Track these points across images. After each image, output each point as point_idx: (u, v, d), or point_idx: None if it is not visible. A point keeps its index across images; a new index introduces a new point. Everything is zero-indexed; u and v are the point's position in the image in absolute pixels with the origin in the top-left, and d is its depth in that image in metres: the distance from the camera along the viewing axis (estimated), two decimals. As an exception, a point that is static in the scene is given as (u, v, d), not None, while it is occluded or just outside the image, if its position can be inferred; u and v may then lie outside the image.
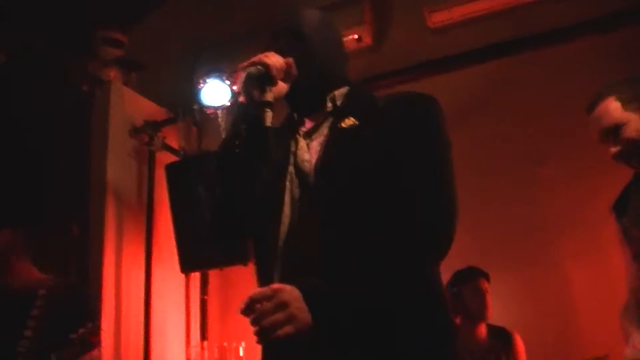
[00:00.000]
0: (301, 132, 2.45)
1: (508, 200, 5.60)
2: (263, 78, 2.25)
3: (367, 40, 6.25)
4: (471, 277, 5.11)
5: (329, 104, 2.42)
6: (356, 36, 6.15)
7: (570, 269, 5.42)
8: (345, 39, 5.87)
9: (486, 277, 5.13)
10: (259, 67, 2.25)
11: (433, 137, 2.29)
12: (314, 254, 2.17)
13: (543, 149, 5.60)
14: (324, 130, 2.39)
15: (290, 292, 1.99)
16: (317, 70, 2.43)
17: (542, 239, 5.46)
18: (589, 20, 5.29)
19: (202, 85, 6.04)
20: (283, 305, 1.95)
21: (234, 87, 2.26)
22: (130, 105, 6.43)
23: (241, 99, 2.34)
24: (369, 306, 2.05)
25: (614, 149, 3.25)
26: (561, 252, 5.45)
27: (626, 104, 3.21)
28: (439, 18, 6.06)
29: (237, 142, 2.31)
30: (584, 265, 5.37)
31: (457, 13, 5.98)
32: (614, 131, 3.24)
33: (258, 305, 1.98)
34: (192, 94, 6.25)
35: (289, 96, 2.40)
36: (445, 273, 5.00)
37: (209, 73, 6.04)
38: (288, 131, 2.50)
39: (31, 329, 3.81)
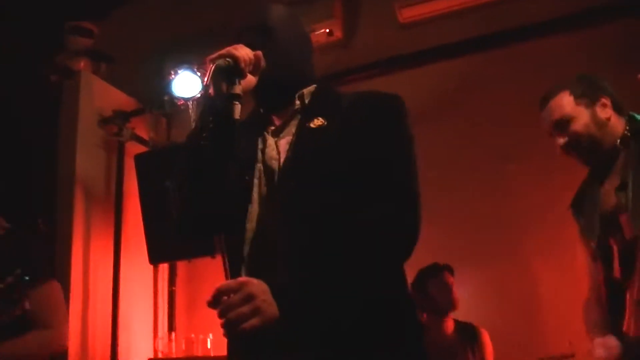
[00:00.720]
0: (269, 130, 2.45)
1: (475, 196, 5.63)
2: (232, 70, 2.23)
3: (338, 34, 6.25)
4: (435, 271, 5.15)
5: (297, 102, 2.43)
6: (327, 30, 6.15)
7: (537, 265, 5.46)
8: (315, 32, 5.96)
9: (450, 270, 5.17)
10: (227, 59, 2.22)
11: (397, 136, 2.31)
12: (281, 251, 2.18)
13: (511, 145, 5.63)
14: (292, 128, 2.39)
15: (257, 285, 1.99)
16: (283, 66, 2.42)
17: (509, 235, 5.50)
18: (558, 18, 5.33)
19: (173, 76, 6.02)
20: (249, 298, 1.96)
21: (204, 80, 2.23)
22: (100, 96, 6.40)
23: (209, 91, 2.32)
24: (336, 302, 2.06)
25: (561, 140, 3.35)
26: (528, 248, 5.49)
27: (578, 99, 3.36)
28: (409, 13, 6.07)
29: (203, 135, 2.30)
30: (550, 262, 5.40)
31: (428, 9, 5.99)
32: (564, 124, 3.34)
33: (225, 298, 1.98)
34: (162, 85, 6.23)
35: (255, 91, 2.40)
36: (413, 270, 5.05)
37: (180, 64, 6.02)
38: (255, 127, 2.50)
39: None
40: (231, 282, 2.02)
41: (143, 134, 6.62)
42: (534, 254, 5.46)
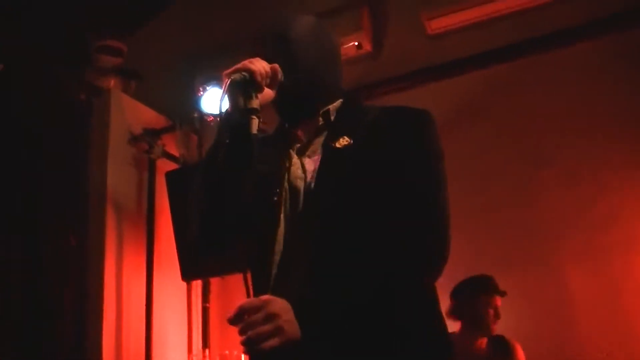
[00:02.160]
0: (295, 148, 2.42)
1: (507, 204, 5.61)
2: (248, 85, 2.21)
3: (367, 46, 6.25)
4: (486, 290, 5.05)
5: (321, 119, 2.40)
6: (356, 43, 6.16)
7: (569, 273, 5.42)
8: (344, 46, 5.96)
9: (501, 294, 5.06)
10: (243, 73, 2.20)
11: (425, 155, 2.27)
12: (307, 272, 2.16)
13: (542, 153, 5.61)
14: (317, 147, 2.36)
15: (280, 304, 1.97)
16: (304, 78, 2.39)
17: (541, 243, 5.47)
18: (586, 24, 5.32)
19: (201, 92, 6.04)
20: (272, 317, 1.94)
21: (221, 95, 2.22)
22: (130, 114, 6.42)
23: (226, 107, 2.29)
24: (360, 321, 2.02)
25: None
26: (560, 256, 5.45)
27: None
28: (437, 24, 6.07)
29: (222, 151, 2.28)
30: (583, 270, 5.37)
31: (456, 19, 5.99)
32: None
33: (247, 316, 1.97)
34: (192, 102, 6.25)
35: (276, 104, 2.39)
36: (444, 278, 5.01)
37: (208, 81, 6.04)
38: (281, 143, 2.47)
39: None
40: (254, 300, 2.00)
41: (173, 151, 6.62)
42: (567, 261, 5.43)
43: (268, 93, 2.29)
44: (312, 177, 2.29)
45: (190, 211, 2.43)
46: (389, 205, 2.15)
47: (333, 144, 2.31)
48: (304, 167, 2.34)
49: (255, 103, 2.22)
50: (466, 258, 5.14)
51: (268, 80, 2.27)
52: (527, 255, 5.48)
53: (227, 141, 2.28)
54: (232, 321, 1.99)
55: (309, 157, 2.37)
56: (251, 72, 2.20)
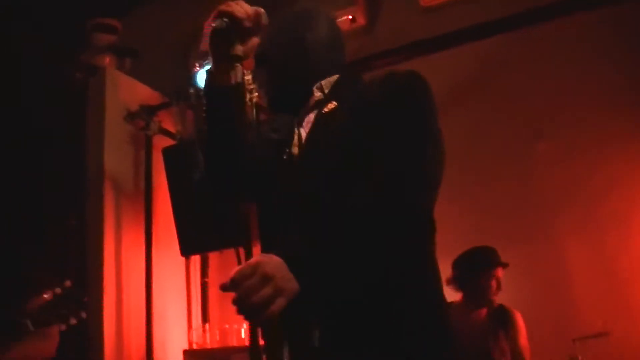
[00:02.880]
0: (295, 122, 2.43)
1: (504, 178, 5.62)
2: (230, 30, 2.16)
3: (361, 20, 6.26)
4: (494, 262, 5.08)
5: (317, 94, 2.39)
6: (350, 16, 6.15)
7: (568, 245, 5.44)
8: (338, 20, 5.94)
9: (503, 264, 5.08)
10: (223, 19, 2.16)
11: (410, 108, 2.21)
12: (297, 228, 2.14)
13: (538, 126, 5.62)
14: (311, 116, 2.37)
15: (270, 262, 1.89)
16: (309, 60, 2.41)
17: (539, 216, 5.49)
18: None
19: (197, 68, 6.02)
20: (268, 279, 1.85)
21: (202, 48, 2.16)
22: (125, 91, 6.42)
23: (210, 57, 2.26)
24: (355, 267, 1.99)
25: None
26: (558, 228, 5.47)
27: None
28: (431, -3, 6.07)
29: (205, 107, 2.30)
30: (581, 242, 5.39)
31: (449, -8, 5.98)
32: None
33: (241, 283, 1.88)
34: (187, 78, 6.25)
35: (273, 97, 2.42)
36: (443, 253, 5.04)
37: (204, 56, 6.03)
38: (288, 119, 2.47)
39: None
40: (244, 268, 1.88)
41: (170, 127, 6.63)
42: (566, 233, 5.45)
43: (253, 39, 2.27)
44: (301, 146, 2.32)
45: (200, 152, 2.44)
46: (377, 155, 2.11)
47: (322, 110, 2.32)
48: (300, 136, 2.36)
49: (239, 49, 2.19)
50: (465, 232, 5.17)
51: (251, 24, 2.22)
52: (525, 228, 5.50)
53: (206, 107, 2.31)
54: (226, 289, 1.90)
55: (304, 127, 2.38)
56: (231, 15, 2.17)
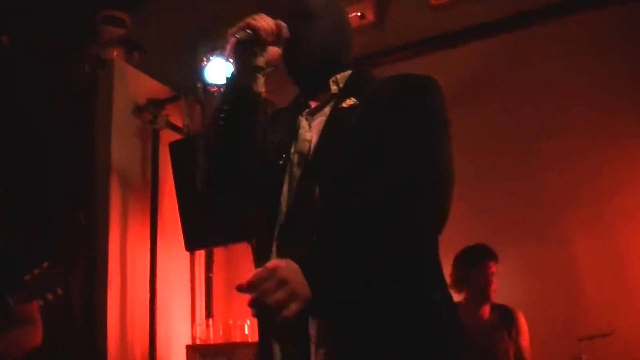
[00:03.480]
0: (304, 113, 2.43)
1: (512, 177, 5.60)
2: (253, 42, 2.21)
3: (370, 17, 6.24)
4: (480, 258, 5.08)
5: (334, 87, 2.40)
6: (359, 13, 6.14)
7: (576, 244, 5.42)
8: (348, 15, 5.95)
9: (495, 259, 5.08)
10: (247, 31, 2.20)
11: (424, 111, 2.24)
12: (311, 231, 2.15)
13: (547, 124, 5.60)
14: (326, 110, 2.37)
15: (287, 268, 1.92)
16: (324, 50, 2.41)
17: (547, 215, 5.47)
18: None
19: (205, 63, 6.04)
20: (283, 283, 1.89)
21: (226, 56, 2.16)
22: (133, 84, 6.42)
23: (232, 66, 2.30)
24: (367, 278, 2.02)
25: None
26: (566, 227, 5.45)
27: None
28: (441, -6, 6.05)
29: (223, 110, 2.29)
30: (589, 241, 5.37)
31: (460, -12, 5.97)
32: None
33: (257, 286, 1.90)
34: (195, 72, 6.25)
35: (293, 74, 2.39)
36: (451, 251, 5.04)
37: (212, 51, 6.04)
38: (294, 112, 2.48)
39: None
40: (260, 272, 1.91)
41: (177, 121, 6.63)
42: (573, 232, 5.43)
43: (274, 51, 2.31)
44: (317, 136, 2.32)
45: (200, 155, 2.43)
46: (391, 160, 2.14)
47: (340, 105, 2.32)
48: (311, 128, 2.37)
49: (261, 61, 2.23)
50: (472, 231, 5.16)
51: (273, 37, 2.28)
52: (532, 227, 5.49)
53: (229, 105, 2.29)
54: (243, 290, 1.91)
55: (317, 119, 2.39)
56: (255, 29, 2.21)
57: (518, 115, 5.70)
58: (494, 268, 5.06)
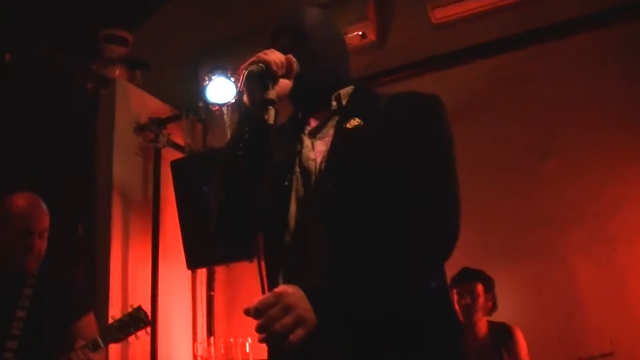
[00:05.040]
0: (306, 132, 2.44)
1: (512, 195, 5.60)
2: (264, 76, 2.22)
3: (371, 36, 6.26)
4: (461, 280, 5.10)
5: (334, 103, 2.42)
6: (360, 32, 6.16)
7: (575, 263, 5.41)
8: (349, 35, 5.97)
9: (484, 281, 5.10)
10: (259, 65, 2.21)
11: (435, 136, 2.27)
12: (319, 253, 2.17)
13: (547, 143, 5.61)
14: (329, 130, 2.38)
15: (293, 294, 1.96)
16: (320, 68, 2.42)
17: (547, 233, 5.46)
18: (590, 15, 5.29)
19: (207, 82, 6.05)
20: (289, 309, 1.92)
21: (238, 88, 2.17)
22: (136, 103, 6.45)
23: (244, 99, 2.31)
24: (374, 303, 2.04)
25: None
26: (566, 246, 5.45)
27: None
28: (442, 14, 6.06)
29: (240, 145, 2.30)
30: (588, 260, 5.36)
31: (460, 9, 5.97)
32: None
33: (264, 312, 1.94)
34: (197, 91, 6.27)
35: (293, 94, 2.39)
36: (451, 270, 5.03)
37: (213, 70, 6.06)
38: (293, 130, 2.49)
39: (24, 309, 3.71)
40: (267, 297, 1.96)
41: (179, 140, 6.65)
42: (573, 252, 5.42)
43: (285, 84, 2.31)
44: (322, 158, 2.32)
45: (210, 203, 2.44)
46: (399, 185, 2.17)
47: (344, 125, 2.33)
48: (315, 149, 2.37)
49: (272, 94, 2.23)
50: (472, 249, 5.15)
51: (284, 71, 2.29)
52: (532, 245, 5.48)
53: (246, 135, 2.30)
54: (250, 315, 1.96)
55: (321, 139, 2.39)
56: (267, 63, 2.22)
57: (518, 134, 5.71)
58: (479, 289, 5.08)
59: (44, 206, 4.00)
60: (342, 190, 2.21)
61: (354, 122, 2.32)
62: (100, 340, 3.72)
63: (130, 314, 3.94)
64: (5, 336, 3.61)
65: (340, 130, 2.34)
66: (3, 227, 3.81)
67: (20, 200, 3.93)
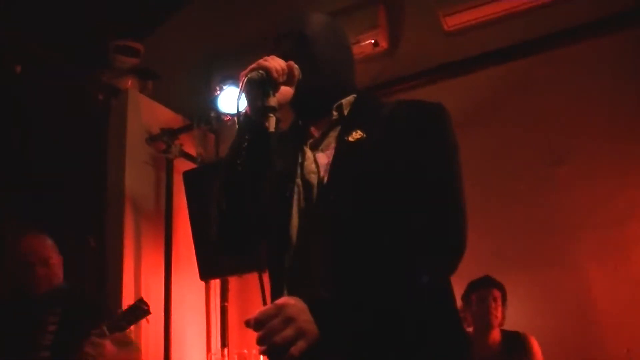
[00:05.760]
0: (308, 143, 2.42)
1: (525, 202, 5.57)
2: (265, 83, 2.20)
3: (383, 44, 6.24)
4: (481, 286, 5.08)
5: (335, 113, 2.40)
6: (372, 40, 6.14)
7: (589, 270, 5.38)
8: (361, 43, 5.96)
9: (498, 287, 5.08)
10: (260, 71, 2.20)
11: (439, 146, 2.25)
12: (321, 266, 2.15)
13: (559, 149, 5.58)
14: (331, 141, 2.36)
15: (295, 306, 1.94)
16: (322, 75, 2.40)
17: (560, 240, 5.43)
18: (602, 20, 5.27)
19: (218, 92, 6.05)
20: (290, 321, 1.91)
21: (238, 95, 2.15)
22: (147, 113, 6.45)
23: (244, 107, 2.30)
24: (376, 316, 2.02)
25: None
26: (579, 253, 5.41)
27: None
28: (454, 21, 6.04)
29: (241, 153, 2.28)
30: (602, 267, 5.33)
31: (472, 16, 5.95)
32: None
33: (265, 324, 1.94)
34: (209, 101, 6.27)
35: (293, 102, 2.37)
36: (463, 278, 5.01)
37: (225, 80, 6.05)
38: (294, 140, 2.47)
39: (55, 324, 4.22)
40: (269, 308, 1.96)
41: (191, 150, 6.65)
42: (587, 258, 5.38)
43: (286, 91, 2.29)
44: (325, 171, 2.29)
45: (211, 212, 2.43)
46: (403, 198, 2.14)
47: (346, 138, 2.31)
48: (317, 161, 2.34)
49: (273, 101, 2.21)
50: (484, 257, 5.13)
51: (285, 77, 2.27)
52: (545, 253, 5.45)
53: (246, 143, 2.28)
54: (251, 327, 1.96)
55: (322, 151, 2.37)
56: (267, 70, 2.20)
57: (530, 141, 5.69)
58: (496, 294, 5.06)
59: (45, 239, 4.56)
60: (345, 204, 2.18)
61: (356, 134, 2.30)
62: (105, 329, 4.09)
63: (132, 306, 4.29)
64: (38, 348, 4.14)
65: (342, 143, 2.31)
66: (10, 263, 4.55)
67: (23, 238, 4.57)
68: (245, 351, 6.08)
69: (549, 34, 5.44)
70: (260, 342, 1.93)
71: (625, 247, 5.31)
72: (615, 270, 5.29)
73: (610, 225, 5.34)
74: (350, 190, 2.19)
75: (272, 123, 2.18)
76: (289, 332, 1.89)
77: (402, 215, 2.11)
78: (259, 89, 2.22)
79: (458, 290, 2.29)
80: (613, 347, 4.91)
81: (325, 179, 2.27)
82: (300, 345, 1.89)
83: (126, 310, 4.28)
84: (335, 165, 2.27)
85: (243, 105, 2.29)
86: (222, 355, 6.34)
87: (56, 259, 4.50)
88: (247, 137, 2.29)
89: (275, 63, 2.24)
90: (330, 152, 2.32)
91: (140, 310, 4.29)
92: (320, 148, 2.38)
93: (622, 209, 5.35)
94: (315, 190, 2.29)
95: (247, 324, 1.96)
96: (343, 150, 2.29)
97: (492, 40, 5.66)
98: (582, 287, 5.37)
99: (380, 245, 2.08)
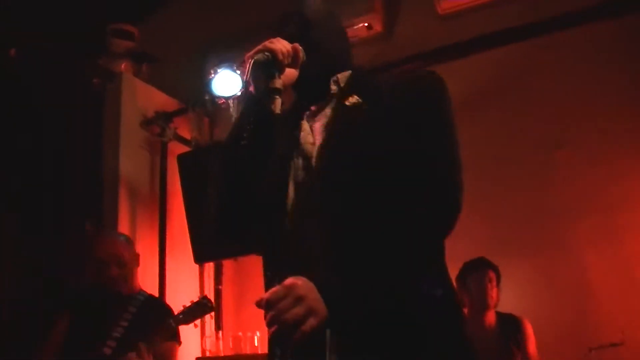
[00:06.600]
0: (305, 116, 2.43)
1: (523, 187, 5.58)
2: (270, 64, 2.21)
3: (378, 27, 6.23)
4: (477, 267, 5.11)
5: (333, 87, 2.41)
6: (366, 24, 6.13)
7: (586, 255, 5.39)
8: (355, 27, 5.94)
9: (493, 268, 5.12)
10: (265, 53, 2.21)
11: (435, 111, 2.27)
12: (320, 237, 2.15)
13: (557, 135, 5.57)
14: (327, 110, 2.37)
15: (303, 286, 1.97)
16: (325, 57, 2.41)
17: (558, 225, 5.44)
18: (602, 4, 5.25)
19: (213, 75, 6.04)
20: (300, 300, 1.93)
21: (244, 77, 2.14)
22: (142, 97, 6.44)
23: (250, 88, 2.30)
24: (382, 292, 2.04)
25: None
26: (577, 238, 5.42)
27: None
28: (448, 4, 6.04)
29: (244, 134, 2.29)
30: (599, 251, 5.34)
31: (466, -1, 5.96)
32: None
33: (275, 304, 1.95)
34: (203, 85, 6.26)
35: (297, 84, 2.37)
36: (461, 261, 5.03)
37: (219, 63, 6.04)
38: (294, 119, 2.47)
39: (127, 321, 4.58)
40: (278, 290, 1.97)
41: (185, 133, 6.64)
42: (583, 243, 5.40)
43: (291, 73, 2.30)
44: (319, 134, 2.33)
45: (209, 192, 2.44)
46: (399, 160, 2.16)
47: (343, 102, 2.33)
48: (313, 130, 2.36)
49: (278, 83, 2.22)
50: (482, 241, 5.15)
51: (290, 60, 2.28)
52: (542, 238, 5.46)
53: (250, 125, 2.29)
54: (261, 307, 1.98)
55: (319, 120, 2.39)
56: (273, 52, 2.22)
57: (528, 126, 5.68)
58: (491, 275, 5.10)
59: (118, 237, 4.95)
60: (343, 170, 2.19)
61: (353, 99, 2.32)
62: (172, 322, 4.51)
63: (197, 302, 4.57)
64: (108, 337, 4.45)
65: (339, 107, 2.34)
66: (89, 261, 4.87)
67: (100, 237, 5.09)
68: (240, 334, 6.09)
69: (546, 17, 5.42)
70: (270, 323, 1.95)
71: (622, 232, 5.32)
72: (611, 256, 5.30)
73: (608, 210, 5.36)
74: (347, 155, 2.20)
75: (277, 105, 2.19)
76: (299, 310, 1.92)
77: (399, 175, 2.14)
78: (265, 71, 2.23)
79: (453, 272, 2.29)
80: (607, 329, 4.94)
81: (322, 144, 2.28)
82: (311, 322, 1.92)
83: (190, 306, 4.56)
84: (330, 127, 2.30)
85: (246, 87, 2.30)
86: (217, 338, 6.35)
87: (130, 260, 4.79)
88: (251, 118, 2.29)
89: (281, 45, 2.25)
90: (327, 120, 2.35)
91: (205, 307, 4.61)
92: (316, 118, 2.40)
93: (619, 194, 5.35)
94: (313, 160, 2.29)
95: (259, 304, 1.98)
96: (339, 113, 2.32)
97: (487, 23, 5.64)
98: (579, 270, 5.39)
99: (377, 216, 2.10)
